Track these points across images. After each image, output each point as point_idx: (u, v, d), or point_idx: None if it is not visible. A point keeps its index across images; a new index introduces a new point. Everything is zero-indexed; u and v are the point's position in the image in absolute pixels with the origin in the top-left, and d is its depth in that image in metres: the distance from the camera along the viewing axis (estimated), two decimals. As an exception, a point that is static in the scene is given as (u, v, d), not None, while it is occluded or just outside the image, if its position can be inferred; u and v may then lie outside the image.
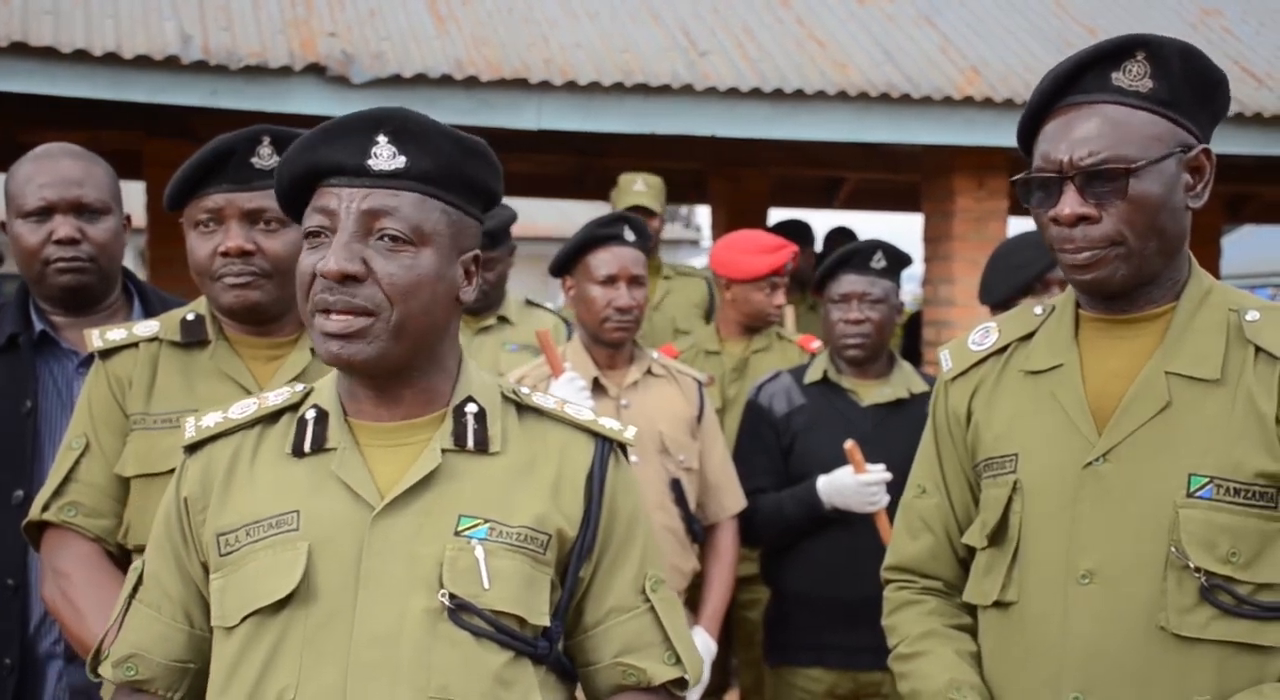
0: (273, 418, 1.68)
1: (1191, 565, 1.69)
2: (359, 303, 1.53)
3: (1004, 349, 1.94)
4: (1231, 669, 1.69)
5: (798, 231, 6.17)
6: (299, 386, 1.71)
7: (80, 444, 2.24)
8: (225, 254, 2.20)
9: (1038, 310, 1.95)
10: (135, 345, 2.28)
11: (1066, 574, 1.77)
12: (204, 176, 2.21)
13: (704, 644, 3.21)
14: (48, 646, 2.46)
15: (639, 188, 5.05)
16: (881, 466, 3.21)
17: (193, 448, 1.68)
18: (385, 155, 1.56)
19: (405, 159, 1.57)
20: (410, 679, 1.51)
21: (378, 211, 1.55)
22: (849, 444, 3.24)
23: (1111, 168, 1.73)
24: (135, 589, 1.69)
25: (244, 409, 1.69)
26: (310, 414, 1.65)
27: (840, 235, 6.40)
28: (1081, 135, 1.75)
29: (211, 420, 1.69)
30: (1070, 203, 1.74)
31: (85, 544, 2.20)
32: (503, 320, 3.99)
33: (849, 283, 3.38)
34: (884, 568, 2.04)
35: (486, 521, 1.58)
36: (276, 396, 1.70)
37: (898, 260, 3.44)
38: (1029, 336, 1.92)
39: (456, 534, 1.57)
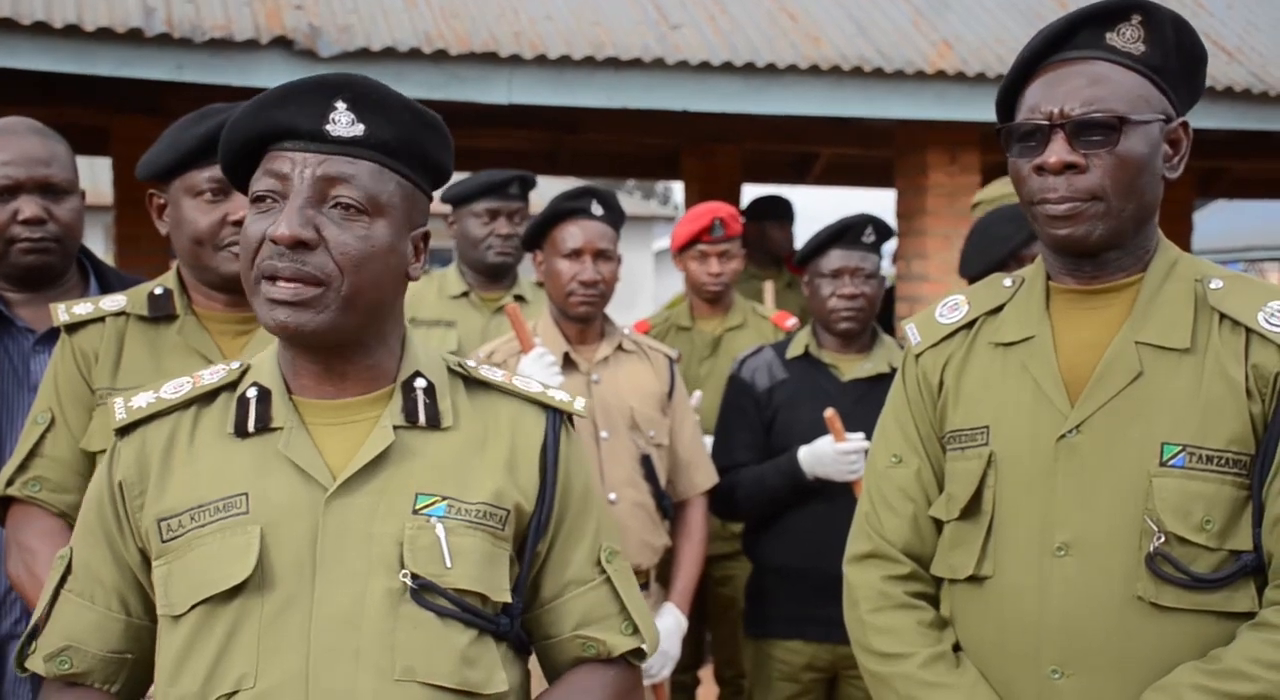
0: (209, 397, 1.63)
1: (1158, 534, 1.70)
2: (309, 271, 1.50)
3: (972, 323, 1.94)
4: (1209, 637, 1.70)
5: (775, 207, 6.14)
6: (235, 364, 1.67)
7: (46, 419, 2.24)
8: (238, 224, 2.20)
9: (1007, 282, 1.96)
10: (101, 319, 2.29)
11: (1042, 547, 1.78)
12: (207, 150, 2.20)
13: (675, 620, 3.22)
14: (8, 627, 2.46)
15: None
16: (861, 435, 3.22)
17: (125, 430, 1.62)
18: (344, 122, 1.53)
19: (364, 127, 1.54)
20: (374, 662, 1.49)
21: (333, 178, 1.52)
22: (829, 412, 3.26)
23: (1103, 118, 1.74)
24: (64, 578, 1.63)
25: (178, 388, 1.64)
26: (251, 392, 1.60)
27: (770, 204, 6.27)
28: (1074, 86, 1.76)
29: (143, 400, 1.63)
30: (1058, 150, 1.75)
31: (50, 519, 2.21)
32: (519, 300, 3.99)
33: (840, 258, 3.38)
34: (862, 552, 1.98)
35: (444, 499, 1.56)
36: (212, 374, 1.65)
37: (884, 234, 3.46)
38: (998, 310, 1.92)
39: (414, 512, 1.55)
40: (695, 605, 3.42)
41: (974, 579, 1.85)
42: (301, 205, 1.51)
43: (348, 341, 1.57)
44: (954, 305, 1.98)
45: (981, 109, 5.66)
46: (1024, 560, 1.79)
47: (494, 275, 4.05)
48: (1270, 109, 6.26)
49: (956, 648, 1.88)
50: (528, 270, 4.17)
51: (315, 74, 1.58)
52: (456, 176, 4.23)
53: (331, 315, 1.52)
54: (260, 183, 1.54)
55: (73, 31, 4.82)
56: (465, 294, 4.04)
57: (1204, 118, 6.06)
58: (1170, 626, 1.71)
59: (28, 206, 2.47)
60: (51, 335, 2.43)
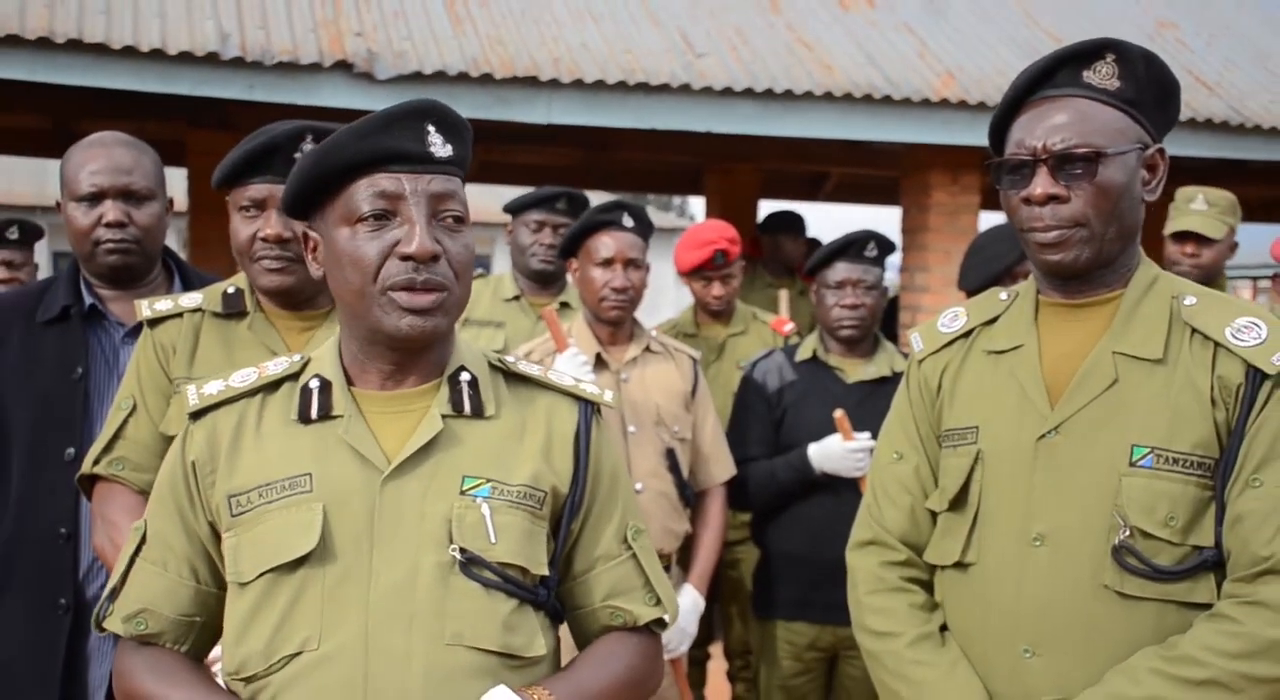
0: (273, 386, 1.65)
1: (1124, 528, 1.70)
2: (438, 280, 1.54)
3: (969, 332, 1.95)
4: (1169, 625, 1.70)
5: (789, 221, 6.14)
6: (296, 356, 1.68)
7: (129, 404, 2.27)
8: (264, 239, 2.22)
9: (1003, 296, 1.96)
10: (180, 315, 2.31)
11: (1020, 537, 1.78)
12: (250, 167, 2.23)
13: (693, 600, 3.22)
14: (95, 590, 2.49)
15: (1197, 206, 3.97)
16: (867, 434, 3.22)
17: (197, 414, 1.64)
18: (438, 143, 1.56)
19: (452, 147, 1.57)
20: (427, 628, 1.51)
21: (442, 195, 1.55)
22: (838, 413, 3.25)
23: (1083, 152, 1.74)
24: (139, 548, 1.64)
25: (245, 378, 1.65)
26: (314, 383, 1.62)
27: (781, 221, 6.29)
28: (1055, 123, 1.76)
29: (214, 388, 1.65)
30: (1042, 183, 1.75)
31: (132, 496, 2.23)
32: (565, 306, 4.01)
33: (844, 270, 3.37)
34: (863, 539, 1.99)
35: (489, 481, 1.57)
36: (276, 366, 1.67)
37: (886, 249, 3.46)
38: (993, 321, 1.93)
39: (462, 493, 1.56)
40: (710, 587, 3.42)
41: (959, 565, 1.85)
42: (426, 222, 1.53)
43: (440, 339, 1.61)
44: (954, 316, 1.99)
45: (982, 135, 5.60)
46: (1003, 549, 1.80)
47: (542, 281, 4.08)
48: (1246, 139, 6.24)
49: (944, 629, 1.89)
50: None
51: (407, 101, 1.57)
52: (510, 191, 4.26)
53: (450, 318, 1.58)
54: (368, 203, 1.54)
55: (157, 55, 4.86)
56: (516, 298, 4.08)
57: (1185, 146, 6.05)
58: (1134, 614, 1.71)
59: (110, 211, 2.50)
60: (139, 328, 2.46)
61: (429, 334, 1.56)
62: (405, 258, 1.52)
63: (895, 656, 1.87)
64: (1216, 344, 1.74)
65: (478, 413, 1.62)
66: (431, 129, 1.55)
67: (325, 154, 1.56)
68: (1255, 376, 1.71)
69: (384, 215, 1.54)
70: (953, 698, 1.79)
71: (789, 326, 4.26)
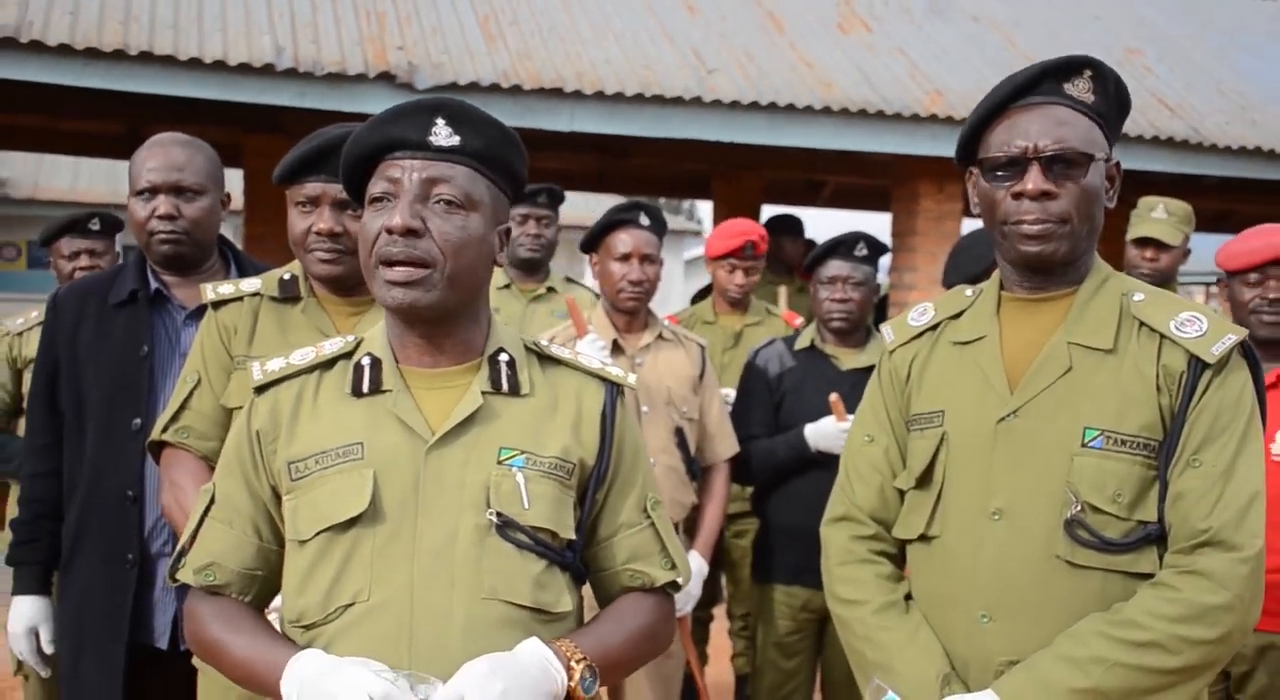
0: (329, 364, 1.65)
1: (1075, 503, 1.69)
2: (418, 254, 1.52)
3: (937, 325, 1.93)
4: (1115, 593, 1.69)
5: (789, 224, 6.12)
6: (350, 337, 1.69)
7: (194, 379, 2.28)
8: (318, 233, 2.23)
9: (968, 292, 1.94)
10: (241, 299, 2.32)
11: (979, 511, 1.76)
12: (305, 167, 2.23)
13: (698, 565, 3.23)
14: (159, 547, 2.50)
15: (1157, 215, 3.96)
16: None
17: (261, 389, 1.64)
18: (444, 134, 1.55)
19: (460, 138, 1.56)
20: (465, 584, 1.51)
21: (436, 179, 1.54)
22: (833, 396, 3.25)
23: (1075, 154, 1.73)
24: (208, 508, 1.65)
25: (304, 356, 1.66)
26: (365, 361, 1.62)
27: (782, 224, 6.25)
28: (1044, 126, 1.74)
29: (276, 365, 1.65)
30: (1035, 179, 1.73)
31: (196, 461, 2.24)
32: (551, 291, 4.02)
33: (835, 267, 3.37)
34: (836, 514, 1.97)
35: (523, 452, 1.58)
36: (331, 345, 1.67)
37: (876, 249, 3.45)
38: (959, 315, 1.92)
39: (499, 463, 1.56)
40: (713, 553, 3.43)
41: (924, 538, 1.84)
42: (411, 201, 1.53)
43: (449, 316, 1.59)
44: (923, 311, 1.97)
45: (965, 148, 5.63)
46: (964, 522, 1.78)
47: (528, 269, 4.09)
48: (1203, 156, 6.22)
49: (908, 597, 1.88)
50: (560, 267, 4.20)
51: (425, 96, 1.60)
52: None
53: (438, 293, 1.54)
54: (376, 186, 1.56)
55: (219, 66, 4.87)
56: (507, 286, 4.08)
57: (1149, 162, 6.03)
58: (1083, 582, 1.70)
59: (162, 205, 2.51)
60: (199, 311, 2.47)
61: (409, 306, 1.54)
62: (387, 231, 1.53)
63: (862, 622, 1.86)
64: (1162, 336, 1.73)
65: (514, 391, 1.62)
66: (440, 121, 1.56)
67: (349, 144, 1.60)
68: (1196, 365, 1.70)
69: (386, 197, 1.55)
70: (915, 660, 1.78)
71: (799, 320, 4.29)
